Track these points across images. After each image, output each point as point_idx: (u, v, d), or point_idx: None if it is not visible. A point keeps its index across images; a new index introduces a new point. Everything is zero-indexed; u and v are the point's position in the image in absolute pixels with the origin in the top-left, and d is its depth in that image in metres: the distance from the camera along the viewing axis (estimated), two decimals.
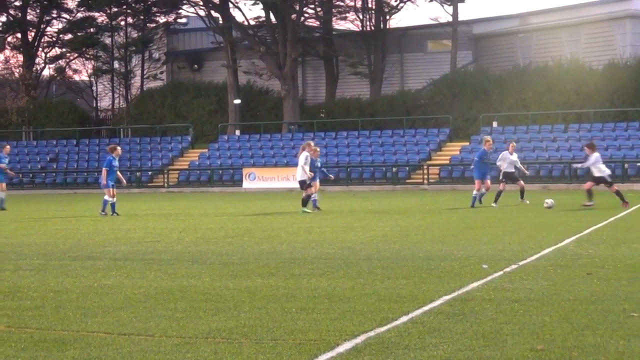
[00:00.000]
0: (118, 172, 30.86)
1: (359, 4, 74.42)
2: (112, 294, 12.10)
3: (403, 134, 61.24)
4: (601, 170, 29.93)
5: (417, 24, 75.75)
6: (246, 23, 72.64)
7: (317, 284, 12.79)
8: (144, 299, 11.65)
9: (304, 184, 30.20)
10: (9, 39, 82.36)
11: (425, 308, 10.64)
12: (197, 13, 74.12)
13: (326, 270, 14.28)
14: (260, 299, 11.52)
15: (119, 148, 32.04)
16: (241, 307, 10.92)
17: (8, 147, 37.38)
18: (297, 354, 8.42)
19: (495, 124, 58.98)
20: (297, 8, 70.12)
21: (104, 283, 13.21)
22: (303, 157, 30.35)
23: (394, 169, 56.43)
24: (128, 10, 79.23)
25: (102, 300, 11.63)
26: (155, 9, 79.05)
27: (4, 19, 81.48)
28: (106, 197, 30.49)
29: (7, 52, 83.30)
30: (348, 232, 22.04)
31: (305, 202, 30.08)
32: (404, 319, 9.99)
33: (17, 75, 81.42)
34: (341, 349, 8.58)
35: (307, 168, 30.18)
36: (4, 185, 35.31)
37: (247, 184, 57.37)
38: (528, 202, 32.39)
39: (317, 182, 31.39)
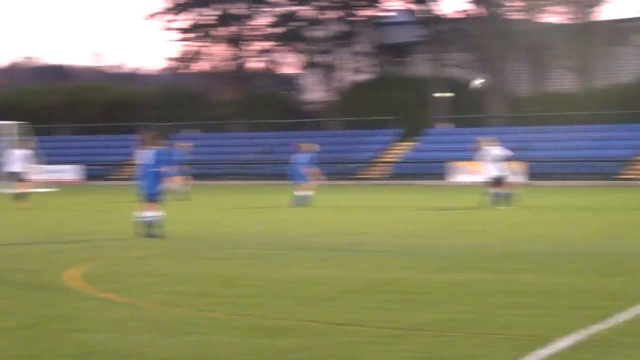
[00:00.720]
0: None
1: None
2: (324, 284, 12.29)
3: (615, 128, 59.59)
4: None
5: (627, 17, 73.45)
6: (451, 16, 72.21)
7: (527, 279, 12.66)
8: (355, 290, 11.79)
9: (502, 180, 29.78)
10: (220, 32, 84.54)
11: None
12: (400, 6, 74.13)
13: (536, 265, 14.13)
14: (470, 292, 11.48)
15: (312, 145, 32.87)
16: (452, 300, 10.91)
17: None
18: (510, 349, 8.32)
19: None
20: (503, 1, 69.21)
21: (316, 273, 13.44)
22: (500, 151, 29.96)
23: (607, 164, 55.02)
24: (333, 4, 79.98)
25: (315, 290, 11.83)
26: (360, 2, 79.51)
27: (214, 12, 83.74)
28: (303, 192, 31.29)
29: (219, 45, 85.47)
30: (555, 227, 21.70)
31: (507, 198, 29.57)
32: (623, 316, 9.75)
33: (227, 67, 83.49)
34: (558, 345, 8.43)
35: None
36: (179, 179, 35.68)
37: (454, 178, 57.10)
38: None
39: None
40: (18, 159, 31.66)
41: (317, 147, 33.26)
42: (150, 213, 19.45)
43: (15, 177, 31.62)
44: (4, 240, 19.08)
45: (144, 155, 19.60)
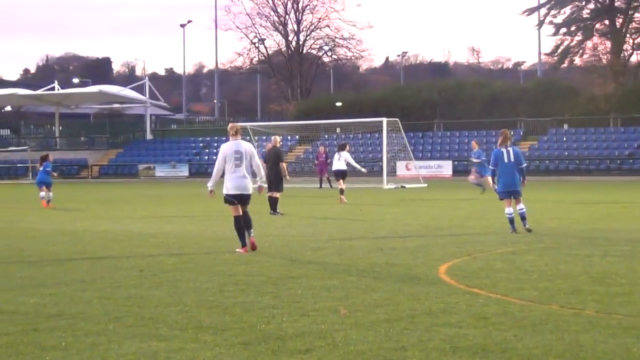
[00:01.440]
0: None
1: None
2: None
3: None
4: None
5: None
6: None
7: None
8: None
9: None
10: (597, 25, 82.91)
11: None
12: None
13: None
14: None
15: None
16: None
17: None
18: None
19: None
20: None
21: None
22: None
23: None
24: None
25: None
26: None
27: (592, 6, 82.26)
28: None
29: (596, 39, 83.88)
30: None
31: None
32: None
33: (605, 61, 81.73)
34: None
35: None
36: None
37: None
38: None
39: None
40: (341, 159, 34.10)
41: None
42: (516, 208, 19.70)
43: (338, 175, 34.09)
44: (379, 234, 19.71)
45: (504, 153, 19.74)
